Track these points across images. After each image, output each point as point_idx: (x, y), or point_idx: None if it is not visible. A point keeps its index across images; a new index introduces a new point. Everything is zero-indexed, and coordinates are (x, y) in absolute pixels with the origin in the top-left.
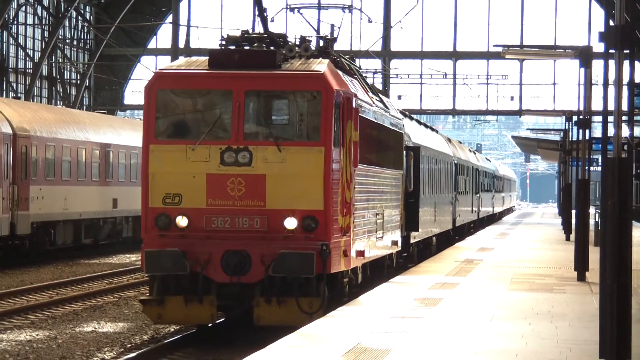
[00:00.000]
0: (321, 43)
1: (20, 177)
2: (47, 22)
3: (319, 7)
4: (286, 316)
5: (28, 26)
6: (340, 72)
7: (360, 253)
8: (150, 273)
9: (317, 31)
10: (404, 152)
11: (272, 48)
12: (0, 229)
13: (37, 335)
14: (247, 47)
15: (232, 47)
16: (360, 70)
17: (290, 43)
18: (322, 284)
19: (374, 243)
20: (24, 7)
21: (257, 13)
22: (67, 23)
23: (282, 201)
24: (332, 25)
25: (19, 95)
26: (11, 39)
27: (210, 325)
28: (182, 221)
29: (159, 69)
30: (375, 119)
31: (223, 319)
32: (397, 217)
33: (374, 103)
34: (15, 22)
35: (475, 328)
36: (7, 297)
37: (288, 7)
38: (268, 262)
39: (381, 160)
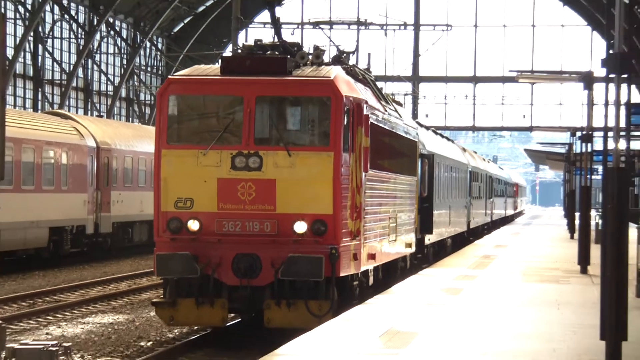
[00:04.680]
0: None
1: (103, 184)
2: (125, 52)
3: (356, 21)
4: (296, 319)
5: (109, 55)
6: (351, 80)
7: (372, 256)
8: (162, 276)
9: (332, 41)
10: (419, 159)
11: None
12: (86, 228)
13: (117, 318)
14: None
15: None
16: (393, 95)
17: (302, 51)
18: (332, 287)
19: (386, 246)
20: (105, 38)
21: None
22: (142, 52)
23: (291, 205)
24: (363, 46)
25: (101, 114)
26: (95, 66)
27: (226, 325)
28: (193, 225)
29: (171, 76)
30: (387, 126)
31: (239, 320)
32: (412, 221)
33: (386, 111)
34: (99, 52)
35: (491, 314)
36: (92, 286)
37: (325, 19)
38: (278, 265)
39: (394, 166)
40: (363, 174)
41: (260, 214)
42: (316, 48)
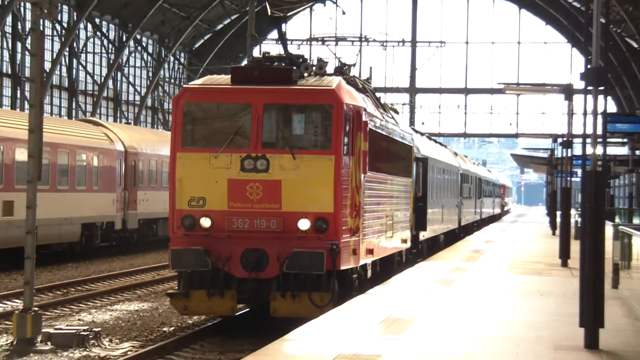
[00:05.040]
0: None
1: (130, 184)
2: (151, 65)
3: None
4: (300, 309)
5: (137, 68)
6: (352, 89)
7: (370, 251)
8: (176, 269)
9: (335, 55)
10: (414, 162)
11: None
12: (115, 224)
13: (142, 306)
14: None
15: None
16: (392, 104)
17: (307, 63)
18: (332, 279)
19: (383, 242)
20: (133, 53)
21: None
22: (166, 66)
23: (296, 204)
24: (366, 60)
25: (129, 121)
26: (124, 78)
27: (236, 315)
28: (205, 222)
29: (186, 85)
30: (385, 131)
31: (248, 310)
32: (407, 219)
33: (384, 118)
34: (127, 65)
35: (481, 303)
36: (120, 277)
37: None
38: (283, 259)
39: (391, 168)
40: (362, 175)
41: (267, 212)
42: (319, 60)
